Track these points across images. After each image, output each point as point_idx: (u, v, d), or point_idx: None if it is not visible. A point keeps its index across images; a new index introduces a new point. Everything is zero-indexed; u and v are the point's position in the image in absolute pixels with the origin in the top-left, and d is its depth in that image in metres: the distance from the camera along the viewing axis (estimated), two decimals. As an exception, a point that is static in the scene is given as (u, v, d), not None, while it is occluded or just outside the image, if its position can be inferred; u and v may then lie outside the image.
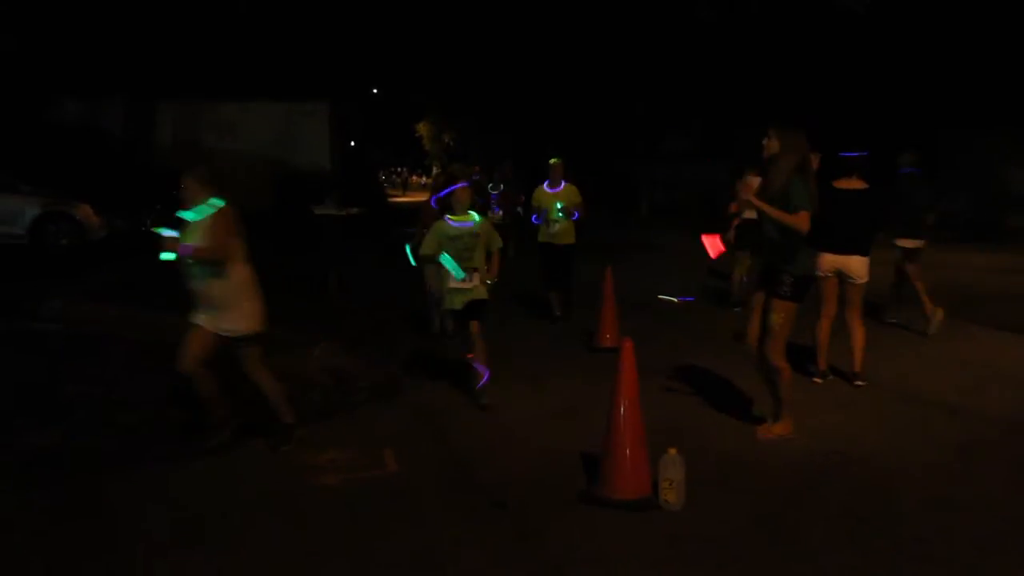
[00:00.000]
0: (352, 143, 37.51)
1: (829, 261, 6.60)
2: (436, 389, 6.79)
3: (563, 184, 9.31)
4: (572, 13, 27.58)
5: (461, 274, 6.05)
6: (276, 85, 28.45)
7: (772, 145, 5.28)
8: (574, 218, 9.29)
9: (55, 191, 15.96)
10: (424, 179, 71.86)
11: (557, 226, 9.20)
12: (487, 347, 6.21)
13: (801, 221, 5.08)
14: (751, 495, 4.58)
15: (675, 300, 10.78)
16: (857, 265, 6.63)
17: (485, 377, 6.15)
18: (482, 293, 6.17)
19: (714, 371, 7.08)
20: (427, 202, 8.56)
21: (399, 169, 74.51)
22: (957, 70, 21.15)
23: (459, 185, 6.34)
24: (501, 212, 14.16)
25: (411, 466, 5.06)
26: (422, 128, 51.21)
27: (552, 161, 9.45)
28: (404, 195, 54.66)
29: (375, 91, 44.89)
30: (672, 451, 4.34)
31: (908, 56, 21.85)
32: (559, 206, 9.14)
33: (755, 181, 6.35)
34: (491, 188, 14.59)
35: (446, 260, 6.05)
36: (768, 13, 20.53)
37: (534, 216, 9.49)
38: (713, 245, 5.70)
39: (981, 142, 20.97)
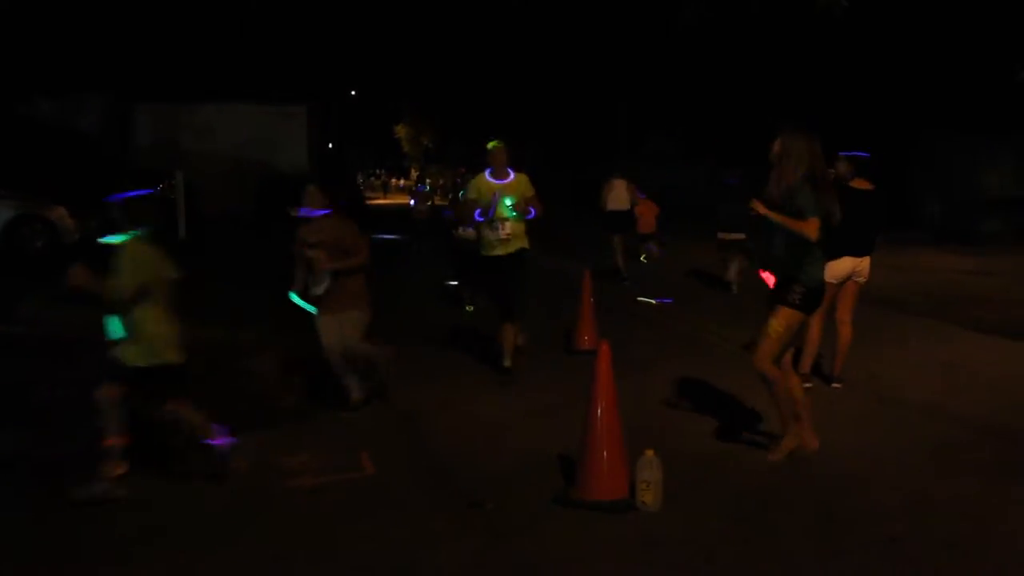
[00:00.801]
0: (330, 145, 37.41)
1: (849, 264, 6.56)
2: (414, 389, 6.77)
3: (512, 174, 7.17)
4: (554, 14, 27.63)
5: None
6: (255, 87, 28.36)
7: (775, 149, 5.03)
8: (529, 216, 7.20)
9: (30, 193, 15.78)
10: (403, 182, 71.67)
11: (507, 228, 7.05)
12: None
13: (809, 228, 4.83)
14: (728, 496, 4.60)
15: (653, 302, 10.82)
16: (867, 265, 6.68)
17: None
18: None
19: (691, 373, 7.10)
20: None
21: (378, 171, 74.31)
22: (935, 75, 21.36)
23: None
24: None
25: (388, 468, 5.04)
26: (400, 130, 51.17)
27: (491, 145, 7.22)
28: (385, 198, 53.97)
29: (353, 93, 44.82)
30: (649, 452, 4.35)
31: (886, 59, 22.06)
32: (509, 202, 7.01)
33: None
34: (449, 198, 12.15)
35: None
36: (749, 16, 20.66)
37: (477, 212, 7.17)
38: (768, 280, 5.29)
39: (956, 146, 21.18)
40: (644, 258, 15.61)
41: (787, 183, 4.92)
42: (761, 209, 4.99)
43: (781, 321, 5.00)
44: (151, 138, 27.29)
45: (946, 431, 5.71)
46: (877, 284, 12.15)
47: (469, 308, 10.36)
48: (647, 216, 15.37)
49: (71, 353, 7.38)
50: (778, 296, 5.04)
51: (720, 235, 11.92)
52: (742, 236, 11.47)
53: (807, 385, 6.50)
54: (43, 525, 4.28)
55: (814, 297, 5.05)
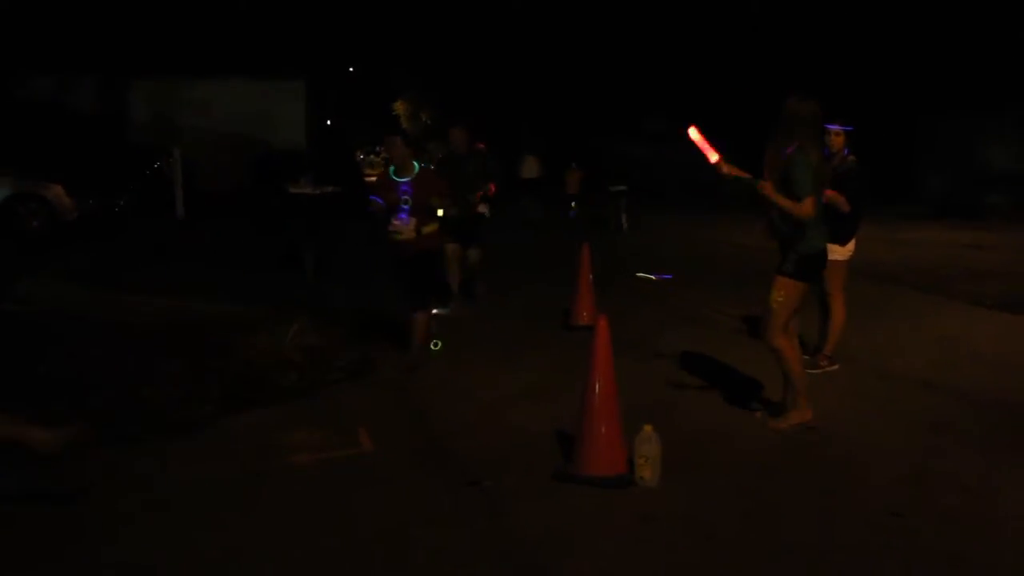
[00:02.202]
0: (328, 122, 37.22)
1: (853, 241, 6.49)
2: (412, 367, 6.75)
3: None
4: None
5: None
6: (252, 63, 28.12)
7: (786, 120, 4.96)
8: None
9: (26, 171, 15.67)
10: None
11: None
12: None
13: (805, 209, 4.82)
14: (726, 472, 4.59)
15: (652, 279, 10.79)
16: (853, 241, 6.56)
17: None
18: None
19: (691, 349, 7.09)
20: None
21: (378, 149, 73.81)
22: (937, 49, 21.23)
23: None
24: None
25: (386, 445, 5.02)
26: (399, 107, 50.86)
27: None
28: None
29: (351, 69, 44.54)
30: (648, 428, 4.33)
31: (888, 34, 21.91)
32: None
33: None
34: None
35: None
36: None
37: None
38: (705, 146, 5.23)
39: (961, 123, 21.08)
40: (571, 212, 20.66)
41: (782, 157, 4.90)
42: (767, 190, 4.96)
43: (780, 291, 5.01)
44: (147, 115, 27.09)
45: (946, 405, 5.70)
46: (878, 259, 12.18)
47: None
48: (572, 181, 21.17)
49: (65, 332, 7.35)
50: (777, 267, 5.07)
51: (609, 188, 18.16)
52: (623, 187, 17.91)
53: (833, 367, 6.44)
54: (38, 502, 4.26)
55: (810, 265, 5.05)
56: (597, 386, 4.35)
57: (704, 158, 5.27)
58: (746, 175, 5.14)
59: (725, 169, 5.19)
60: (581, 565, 3.59)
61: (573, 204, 21.12)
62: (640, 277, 10.87)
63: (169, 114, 27.00)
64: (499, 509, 4.16)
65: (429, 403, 5.88)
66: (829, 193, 5.76)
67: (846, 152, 6.47)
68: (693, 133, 5.26)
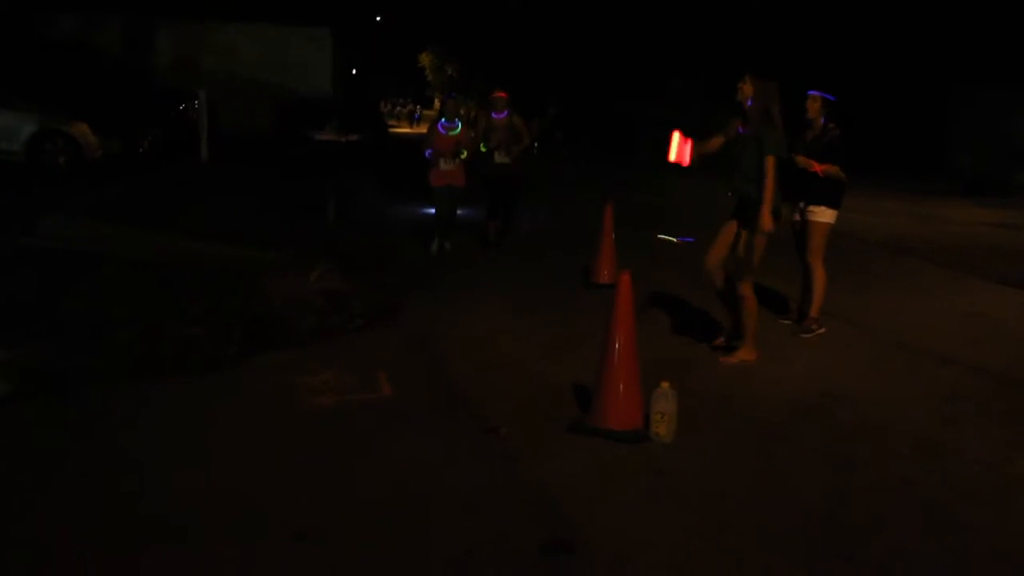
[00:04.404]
0: (354, 71, 37.03)
1: None
2: (433, 315, 6.81)
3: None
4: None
5: None
6: (278, 9, 27.96)
7: (746, 90, 5.58)
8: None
9: (52, 108, 15.73)
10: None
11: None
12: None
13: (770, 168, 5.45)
14: (741, 432, 4.63)
15: (675, 240, 10.76)
16: None
17: None
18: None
19: (710, 311, 7.08)
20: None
21: (403, 100, 73.11)
22: (968, 23, 20.80)
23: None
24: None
25: (405, 390, 5.08)
26: (424, 59, 50.50)
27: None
28: (412, 127, 52.08)
29: (378, 18, 44.17)
30: (665, 384, 4.36)
31: (919, 7, 21.48)
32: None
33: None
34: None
35: None
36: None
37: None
38: (681, 149, 5.72)
39: (994, 95, 20.68)
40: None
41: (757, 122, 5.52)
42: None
43: (750, 245, 5.61)
44: (173, 57, 27.06)
45: (964, 379, 5.70)
46: (904, 233, 12.11)
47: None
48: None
49: (90, 268, 7.43)
50: (744, 223, 5.66)
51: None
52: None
53: (820, 330, 6.51)
54: (60, 433, 4.35)
55: (774, 219, 5.56)
56: (617, 340, 4.38)
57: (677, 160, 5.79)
58: (705, 149, 5.77)
59: (689, 159, 5.73)
60: (594, 514, 3.64)
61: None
62: (661, 239, 10.84)
63: (194, 57, 26.97)
64: (515, 456, 4.21)
65: (448, 352, 5.93)
66: (825, 167, 6.40)
67: (823, 121, 6.53)
68: (675, 138, 5.77)
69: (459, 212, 9.81)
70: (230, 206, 11.95)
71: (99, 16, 25.88)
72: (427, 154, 9.30)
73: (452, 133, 9.24)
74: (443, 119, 9.42)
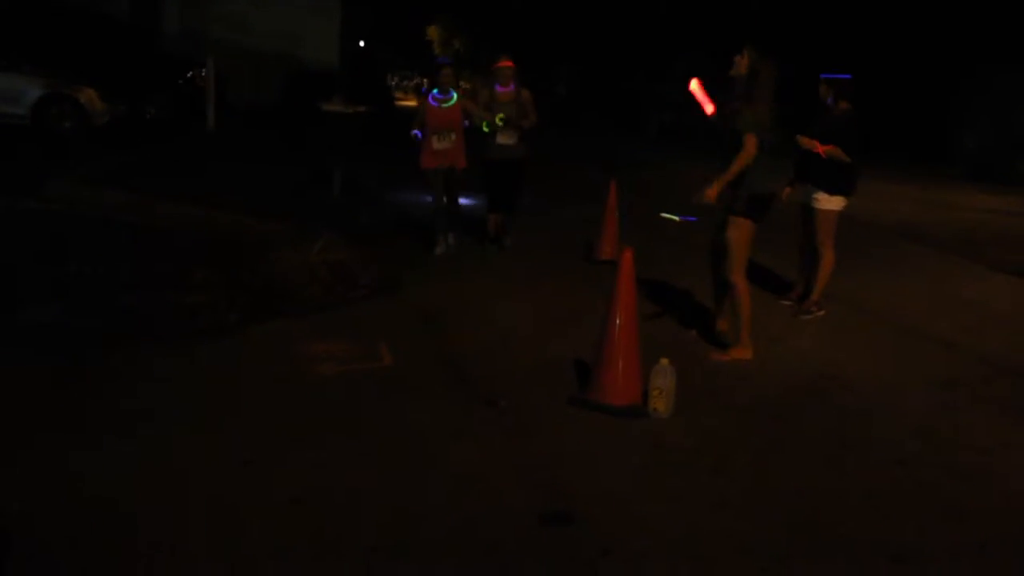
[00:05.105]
0: (361, 43, 36.86)
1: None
2: (436, 288, 6.84)
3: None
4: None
5: None
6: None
7: (740, 63, 5.34)
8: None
9: (59, 73, 15.69)
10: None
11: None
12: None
13: (750, 145, 5.19)
14: (738, 411, 4.67)
15: (676, 219, 10.76)
16: None
17: None
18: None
19: (710, 290, 7.11)
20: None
21: (410, 74, 72.65)
22: (976, 9, 20.61)
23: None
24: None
25: (406, 361, 5.12)
26: (432, 32, 50.24)
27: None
28: (420, 101, 52.04)
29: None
30: (664, 360, 4.40)
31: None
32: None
33: None
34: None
35: None
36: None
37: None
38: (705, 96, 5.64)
39: (997, 82, 20.54)
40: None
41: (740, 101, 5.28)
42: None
43: (735, 230, 5.34)
44: (180, 26, 26.93)
45: (963, 365, 5.73)
46: (907, 219, 12.10)
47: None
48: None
49: (97, 230, 7.47)
50: (727, 206, 5.37)
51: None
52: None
53: (820, 312, 6.54)
54: (63, 393, 4.39)
55: (760, 204, 5.34)
56: (618, 316, 4.41)
57: (701, 109, 5.70)
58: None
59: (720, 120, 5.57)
60: (592, 486, 3.69)
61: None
62: (664, 217, 10.84)
63: (202, 26, 26.81)
64: (514, 428, 4.26)
65: (451, 325, 5.97)
66: (828, 147, 6.29)
67: (830, 101, 6.50)
68: (693, 86, 5.64)
69: (461, 200, 8.56)
70: (236, 174, 11.96)
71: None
72: (416, 134, 7.95)
73: (445, 106, 7.95)
74: (435, 90, 8.12)
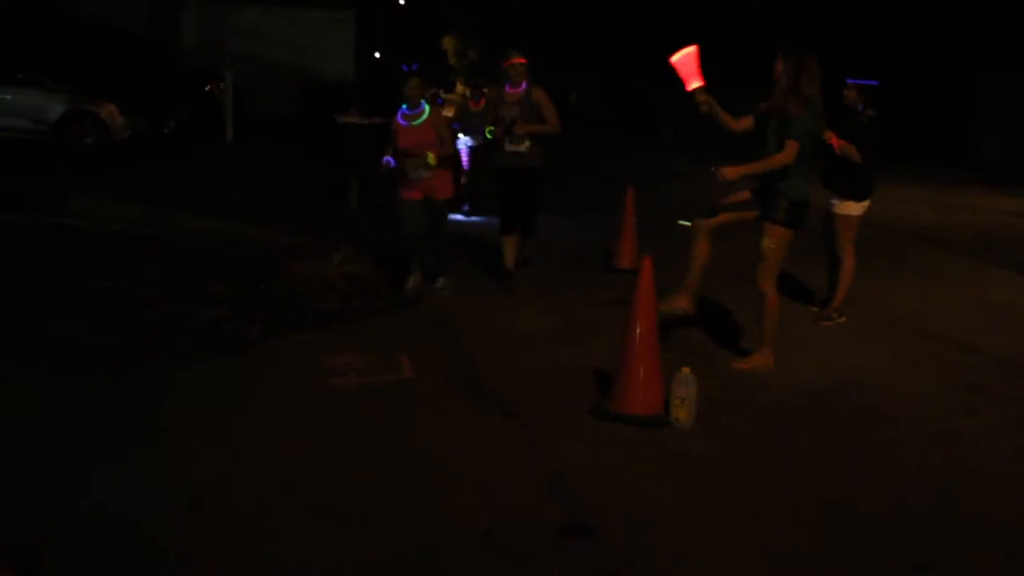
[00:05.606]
0: (377, 54, 37.06)
1: None
2: (454, 299, 6.85)
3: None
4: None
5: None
6: (302, -9, 28.01)
7: (778, 68, 5.15)
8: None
9: (81, 89, 15.86)
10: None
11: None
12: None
13: (789, 152, 5.00)
14: (760, 419, 4.65)
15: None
16: None
17: None
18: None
19: (730, 297, 7.09)
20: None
21: (426, 85, 72.74)
22: (995, 10, 20.47)
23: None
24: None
25: (426, 372, 5.14)
26: (447, 42, 50.38)
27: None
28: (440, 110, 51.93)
29: (402, 2, 44.10)
30: (685, 369, 4.40)
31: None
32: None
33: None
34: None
35: None
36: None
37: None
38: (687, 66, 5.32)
39: (1015, 84, 20.37)
40: None
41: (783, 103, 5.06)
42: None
43: (772, 239, 5.21)
44: (198, 39, 27.16)
45: (985, 368, 5.69)
46: (926, 222, 12.01)
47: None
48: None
49: (121, 247, 7.54)
50: (765, 213, 5.20)
51: None
52: None
53: (841, 319, 6.51)
54: (87, 410, 4.44)
55: (798, 212, 5.20)
56: (639, 326, 4.41)
57: (683, 82, 5.37)
58: (722, 114, 5.32)
59: (701, 99, 5.31)
60: (613, 498, 3.69)
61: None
62: (681, 224, 10.81)
63: (220, 39, 27.03)
64: (535, 439, 4.26)
65: (470, 336, 5.98)
66: (842, 143, 6.14)
67: (860, 108, 6.43)
68: (684, 54, 5.35)
69: (469, 218, 7.89)
70: (254, 187, 12.04)
71: (126, -4, 26.00)
72: (389, 161, 6.74)
73: (415, 123, 6.67)
74: (404, 105, 6.78)
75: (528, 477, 3.86)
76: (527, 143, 7.02)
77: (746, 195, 5.37)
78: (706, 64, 5.35)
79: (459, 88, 61.23)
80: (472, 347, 5.73)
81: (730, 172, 5.04)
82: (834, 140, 6.22)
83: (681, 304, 5.40)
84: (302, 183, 12.86)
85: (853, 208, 6.44)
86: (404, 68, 9.19)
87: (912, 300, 7.47)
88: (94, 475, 3.68)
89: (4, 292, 5.98)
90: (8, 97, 14.91)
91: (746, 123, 5.37)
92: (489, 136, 7.14)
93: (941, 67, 21.71)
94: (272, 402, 4.62)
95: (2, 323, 5.44)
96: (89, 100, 15.51)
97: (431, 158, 6.53)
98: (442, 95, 59.07)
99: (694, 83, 5.30)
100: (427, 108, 6.72)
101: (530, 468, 3.96)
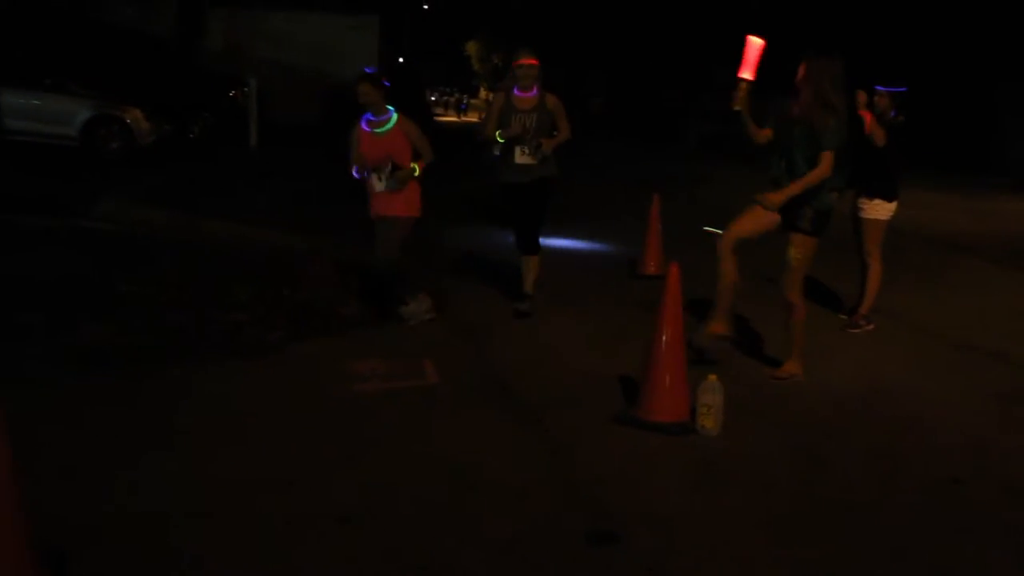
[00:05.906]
0: (400, 60, 37.21)
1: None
2: (478, 305, 6.84)
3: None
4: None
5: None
6: (327, -3, 28.21)
7: (800, 73, 5.05)
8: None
9: (106, 94, 16.01)
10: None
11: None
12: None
13: (826, 165, 4.94)
14: (787, 426, 4.60)
15: (720, 233, 10.65)
16: None
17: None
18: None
19: (757, 305, 7.02)
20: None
21: (450, 89, 73.10)
22: (1019, 15, 20.25)
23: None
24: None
25: (450, 378, 5.12)
26: (471, 48, 50.56)
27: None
28: (460, 117, 51.87)
29: (425, 7, 44.25)
30: (712, 377, 4.35)
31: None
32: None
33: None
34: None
35: None
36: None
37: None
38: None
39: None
40: None
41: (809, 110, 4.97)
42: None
43: (799, 248, 5.16)
44: (223, 44, 27.39)
45: (1016, 378, 5.61)
46: (955, 229, 11.87)
47: None
48: None
49: (147, 251, 7.59)
50: (790, 223, 5.14)
51: None
52: None
53: (870, 327, 6.44)
54: (111, 412, 4.45)
55: (823, 220, 5.15)
56: (665, 333, 4.37)
57: (740, 66, 5.25)
58: (751, 121, 5.27)
59: (742, 90, 5.21)
60: (639, 505, 3.65)
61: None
62: (708, 231, 10.75)
63: (244, 44, 27.23)
64: (561, 446, 4.23)
65: (494, 342, 5.96)
66: (874, 122, 6.21)
67: (893, 114, 6.40)
68: (755, 42, 5.20)
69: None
70: (278, 192, 12.09)
71: (152, 2, 26.26)
72: (356, 173, 6.14)
73: (380, 131, 6.01)
74: (368, 112, 6.08)
75: (554, 485, 3.83)
76: (539, 154, 6.30)
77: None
78: (716, 67, 5.33)
79: (483, 94, 61.42)
80: (496, 353, 5.70)
81: (775, 199, 5.04)
82: (868, 116, 6.20)
83: (718, 330, 5.37)
84: (325, 187, 12.89)
85: (882, 212, 6.39)
86: (365, 70, 8.16)
87: (941, 307, 7.38)
88: (118, 477, 3.68)
89: (32, 294, 6.03)
90: (36, 102, 15.07)
91: (767, 134, 5.29)
92: (500, 140, 6.30)
93: (960, 76, 21.49)
94: (294, 407, 4.62)
95: (30, 325, 5.48)
96: (115, 105, 15.66)
97: (416, 170, 5.99)
98: (466, 100, 59.28)
99: (746, 73, 5.22)
100: (395, 115, 6.01)
101: (556, 475, 3.93)
